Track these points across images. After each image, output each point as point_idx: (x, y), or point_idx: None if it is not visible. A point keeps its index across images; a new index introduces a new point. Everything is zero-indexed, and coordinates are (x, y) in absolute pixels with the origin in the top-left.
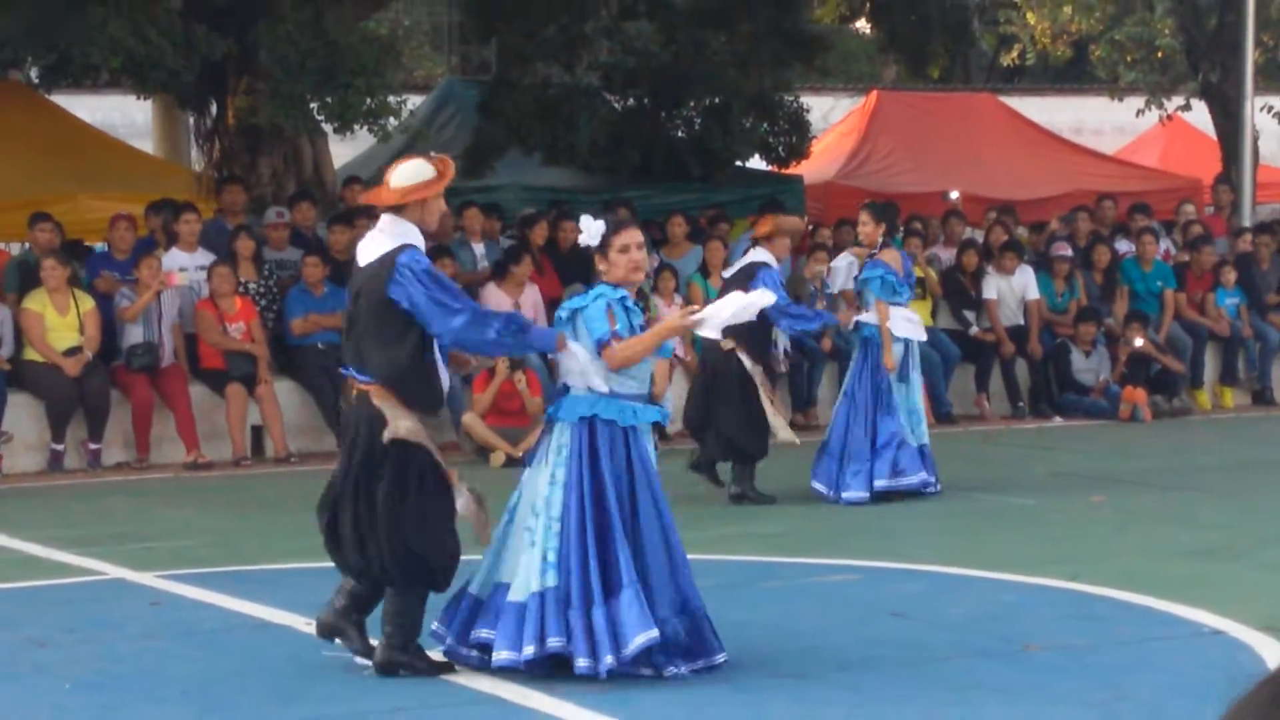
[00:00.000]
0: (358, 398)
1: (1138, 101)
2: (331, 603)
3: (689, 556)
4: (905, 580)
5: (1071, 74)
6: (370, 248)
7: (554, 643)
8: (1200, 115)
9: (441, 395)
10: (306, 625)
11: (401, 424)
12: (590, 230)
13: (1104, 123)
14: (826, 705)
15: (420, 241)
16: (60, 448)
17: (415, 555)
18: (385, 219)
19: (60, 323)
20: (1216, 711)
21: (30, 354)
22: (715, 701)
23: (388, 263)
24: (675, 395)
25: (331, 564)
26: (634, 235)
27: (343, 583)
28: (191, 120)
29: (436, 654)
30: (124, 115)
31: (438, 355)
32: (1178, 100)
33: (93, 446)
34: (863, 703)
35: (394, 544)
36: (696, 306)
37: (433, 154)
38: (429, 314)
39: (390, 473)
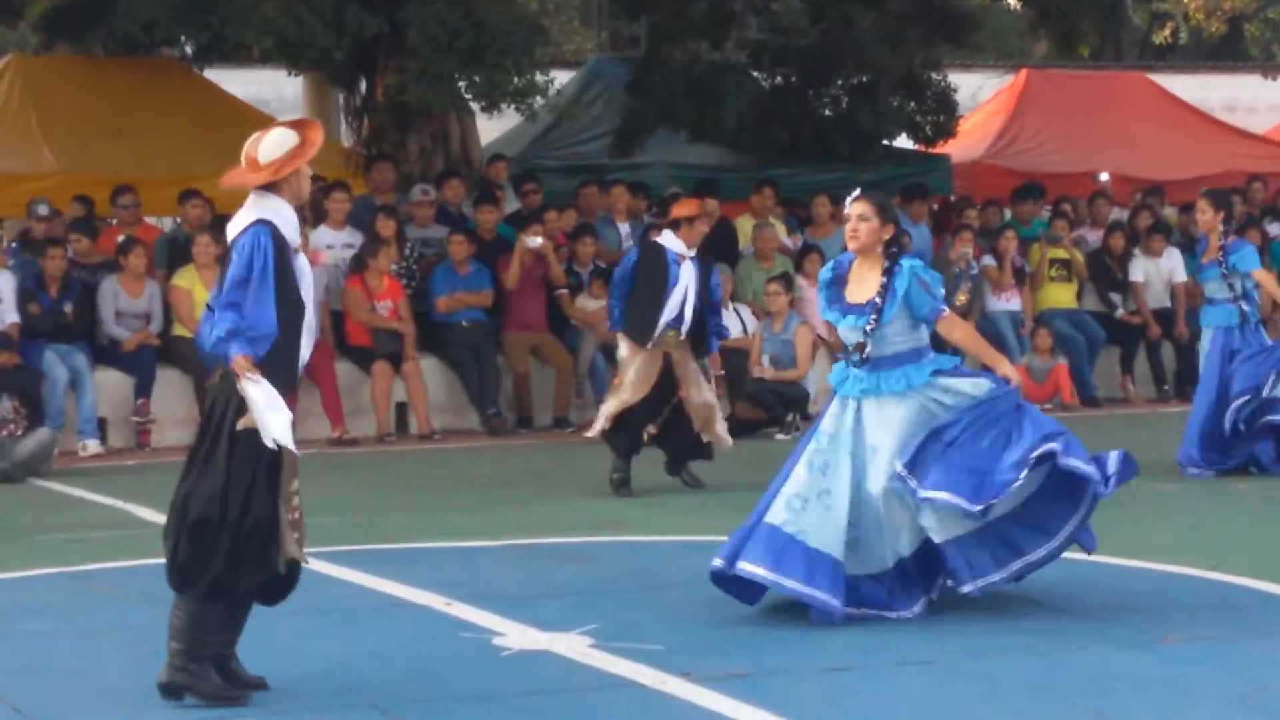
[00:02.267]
0: (221, 377)
1: None
2: None
3: None
4: (1043, 569)
5: (1225, 51)
6: (232, 229)
7: None
8: None
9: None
10: (446, 605)
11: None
12: None
13: (1258, 100)
14: (959, 694)
15: (292, 218)
16: None
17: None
18: (251, 197)
19: (208, 298)
20: None
21: (179, 330)
22: (845, 689)
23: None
24: (818, 375)
25: (469, 543)
26: (855, 206)
27: None
28: (341, 98)
29: None
30: (275, 90)
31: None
32: None
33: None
34: (996, 692)
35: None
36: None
37: (285, 120)
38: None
39: (224, 460)
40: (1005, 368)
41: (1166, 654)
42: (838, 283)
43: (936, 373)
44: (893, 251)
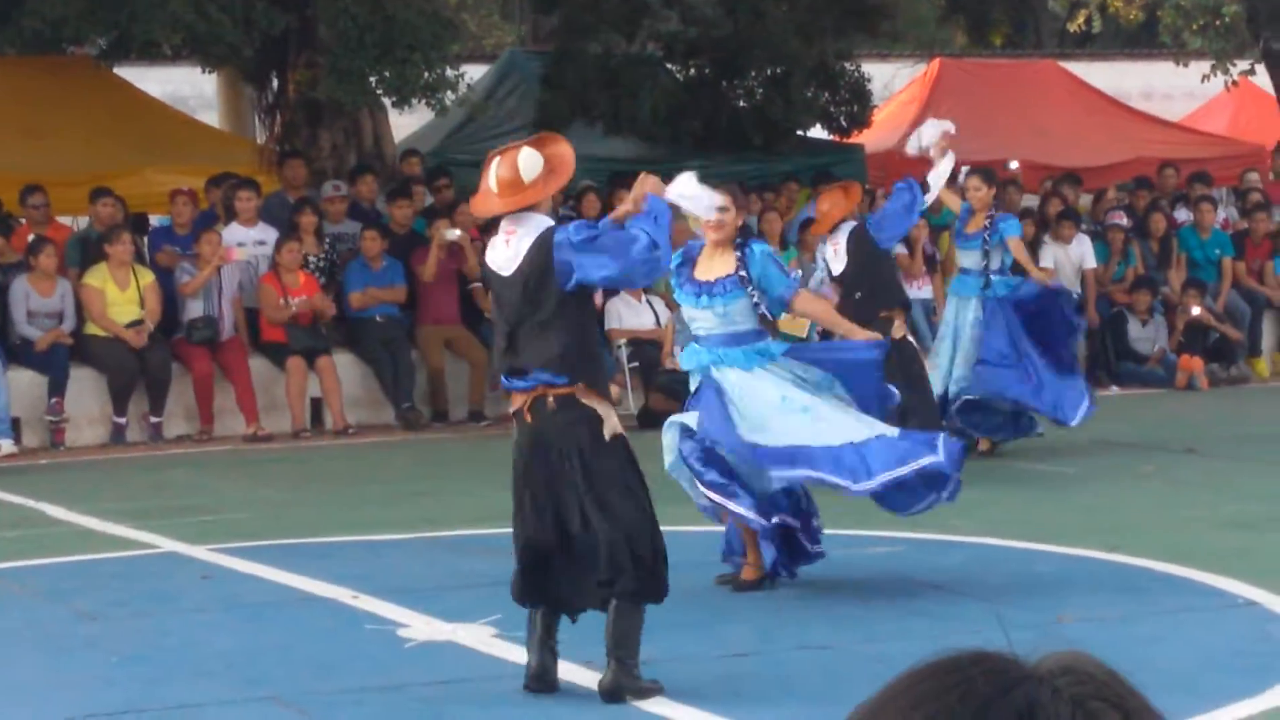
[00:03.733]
0: (557, 403)
1: (1204, 67)
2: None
3: None
4: (945, 552)
5: (1143, 39)
6: (507, 252)
7: None
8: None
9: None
10: (353, 598)
11: (615, 418)
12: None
13: (1174, 87)
14: (854, 678)
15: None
16: (122, 421)
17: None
18: (511, 220)
19: (121, 297)
20: (1241, 683)
21: (92, 329)
22: (745, 674)
23: (545, 249)
24: None
25: (380, 536)
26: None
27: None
28: (253, 94)
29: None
30: (194, 87)
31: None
32: (1243, 65)
33: (154, 420)
34: (888, 674)
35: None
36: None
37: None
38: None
39: (617, 473)
40: (862, 334)
41: (1060, 634)
42: (688, 264)
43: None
44: (739, 240)
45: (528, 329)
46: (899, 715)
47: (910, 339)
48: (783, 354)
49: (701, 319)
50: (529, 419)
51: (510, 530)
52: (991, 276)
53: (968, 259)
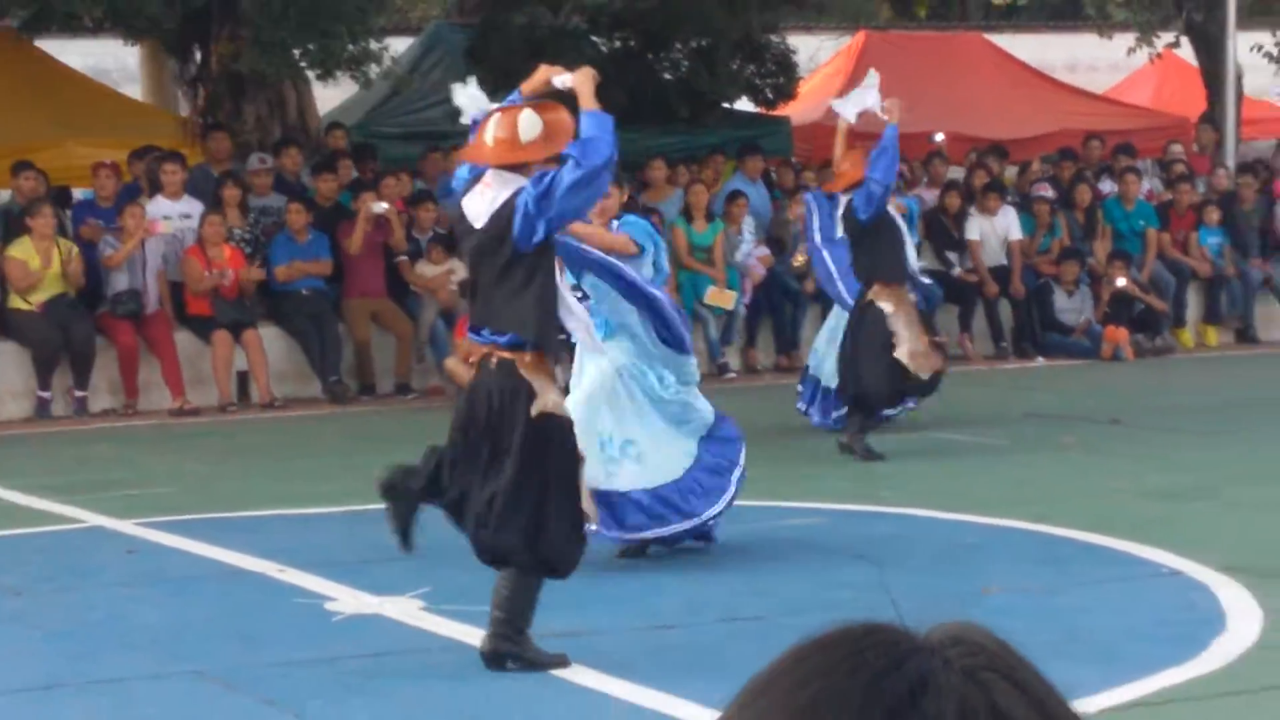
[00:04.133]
0: (499, 366)
1: (1129, 39)
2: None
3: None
4: (871, 523)
5: (1067, 12)
6: (481, 204)
7: None
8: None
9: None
10: (279, 572)
11: (550, 397)
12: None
13: (1098, 59)
14: (780, 648)
15: None
16: (47, 395)
17: (549, 538)
18: (495, 173)
19: (44, 270)
20: (1166, 651)
21: (16, 302)
22: (671, 645)
23: (509, 208)
24: None
25: (308, 510)
26: None
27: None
28: (176, 66)
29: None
30: (116, 60)
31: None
32: (1167, 38)
33: (79, 394)
34: None
35: (530, 525)
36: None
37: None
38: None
39: (534, 448)
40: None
41: (986, 605)
42: None
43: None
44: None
45: (485, 285)
46: (788, 692)
47: (881, 307)
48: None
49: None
50: (477, 374)
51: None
52: None
53: None
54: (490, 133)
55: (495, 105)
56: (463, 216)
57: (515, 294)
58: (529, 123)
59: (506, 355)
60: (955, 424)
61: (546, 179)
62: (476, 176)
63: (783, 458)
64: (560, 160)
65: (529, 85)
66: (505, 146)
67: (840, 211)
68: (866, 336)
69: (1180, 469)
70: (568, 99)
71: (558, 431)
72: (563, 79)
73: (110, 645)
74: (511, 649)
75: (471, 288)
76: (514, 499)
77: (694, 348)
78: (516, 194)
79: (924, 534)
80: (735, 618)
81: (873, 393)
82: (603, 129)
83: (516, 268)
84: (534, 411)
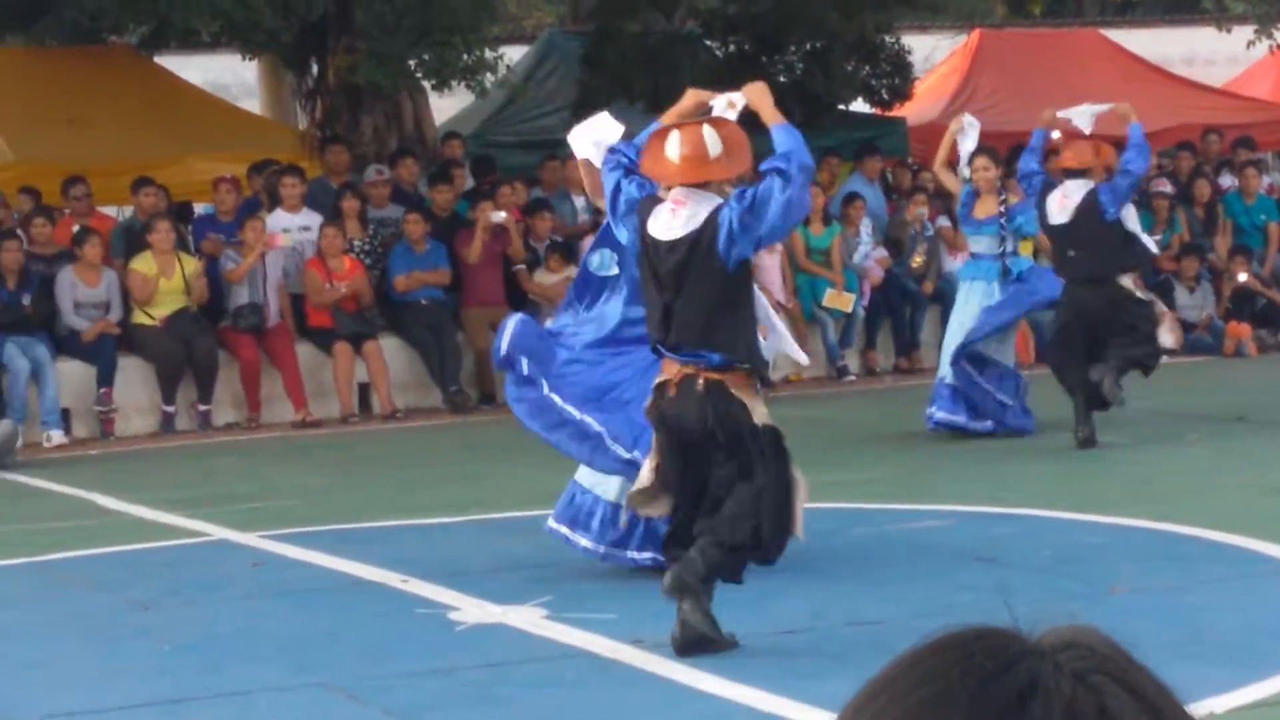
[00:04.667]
0: (707, 388)
1: (1247, 32)
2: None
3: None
4: (995, 524)
5: (1184, 4)
6: (675, 223)
7: None
8: None
9: None
10: (402, 582)
11: (762, 410)
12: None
13: (1216, 53)
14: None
15: None
16: (171, 410)
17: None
18: (685, 192)
19: (167, 285)
20: None
21: (139, 317)
22: (795, 650)
23: (713, 225)
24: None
25: (430, 520)
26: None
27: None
28: (294, 80)
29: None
30: (235, 75)
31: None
32: None
33: (202, 408)
34: None
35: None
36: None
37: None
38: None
39: (757, 458)
40: None
41: (1111, 605)
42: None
43: None
44: None
45: (687, 305)
46: (901, 694)
47: (1144, 295)
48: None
49: None
50: (673, 393)
51: None
52: (1008, 263)
53: (980, 244)
54: (674, 150)
55: (656, 124)
56: (644, 235)
57: (724, 314)
58: (712, 139)
59: (715, 377)
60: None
61: (751, 196)
62: (649, 195)
63: (903, 460)
64: (759, 175)
65: (677, 111)
66: (694, 163)
67: (1071, 202)
68: (1129, 322)
69: None
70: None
71: (779, 439)
72: (728, 100)
73: (236, 658)
74: (696, 586)
75: (664, 308)
76: (747, 509)
77: (813, 350)
78: (717, 211)
79: (1047, 534)
80: (860, 622)
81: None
82: (797, 140)
83: (723, 287)
84: (758, 423)
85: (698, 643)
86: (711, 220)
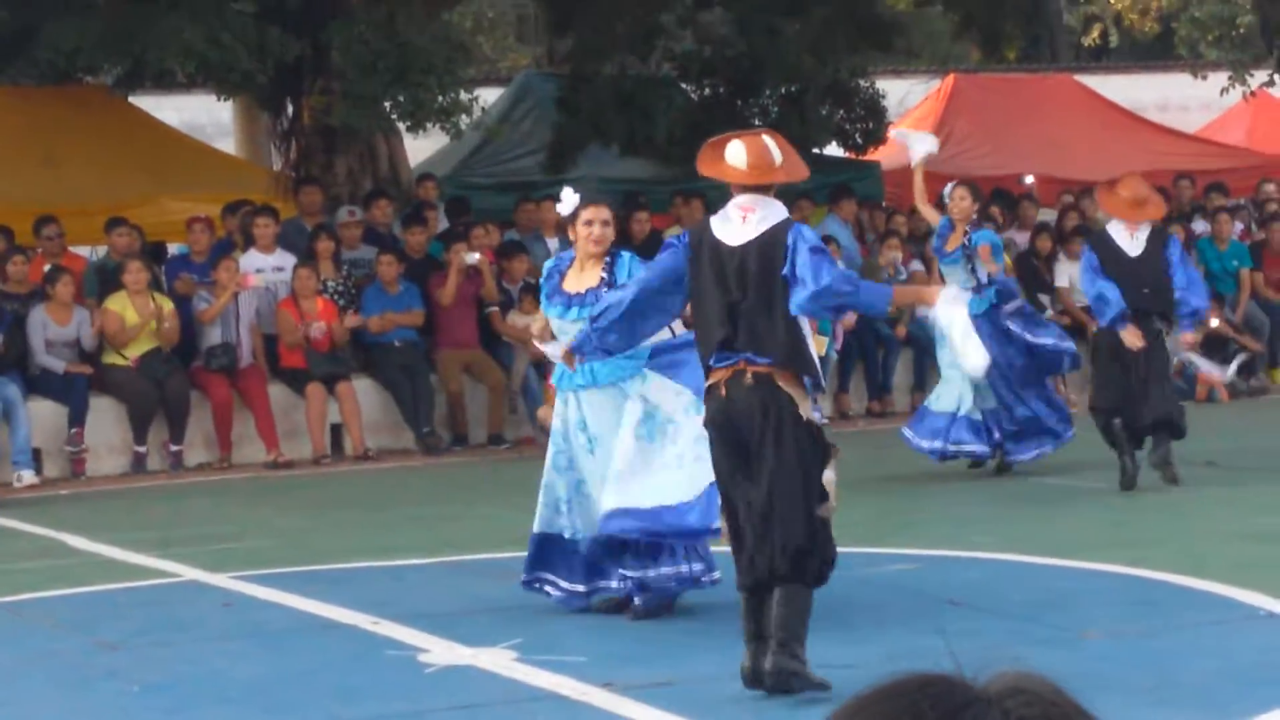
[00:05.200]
0: (755, 380)
1: (1221, 79)
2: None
3: None
4: (965, 568)
5: (1158, 51)
6: (745, 230)
7: None
8: None
9: None
10: (373, 624)
11: (808, 407)
12: (567, 201)
13: (1189, 99)
14: None
15: None
16: (143, 450)
17: (826, 538)
18: (752, 199)
19: (140, 325)
20: (1265, 694)
21: (111, 358)
22: (763, 694)
23: (783, 232)
24: None
25: (401, 561)
26: (599, 212)
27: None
28: (269, 121)
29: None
30: (210, 115)
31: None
32: (1260, 77)
33: (174, 448)
34: None
35: (809, 528)
36: None
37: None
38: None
39: (795, 456)
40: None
41: (1084, 650)
42: (556, 276)
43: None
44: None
45: (750, 309)
46: None
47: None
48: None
49: (571, 332)
50: (723, 393)
51: None
52: (979, 276)
53: (951, 276)
54: (740, 157)
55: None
56: (707, 244)
57: (781, 320)
58: (774, 147)
59: (763, 370)
60: (1049, 468)
61: (824, 262)
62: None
63: (876, 504)
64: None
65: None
66: (764, 168)
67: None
68: (1161, 365)
69: (1276, 511)
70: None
71: (821, 436)
72: None
73: (206, 699)
74: (798, 667)
75: (729, 309)
76: (793, 506)
77: None
78: (786, 229)
79: (1018, 579)
80: (830, 665)
81: (1177, 414)
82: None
83: (784, 292)
84: (802, 415)
85: (792, 677)
86: (781, 230)
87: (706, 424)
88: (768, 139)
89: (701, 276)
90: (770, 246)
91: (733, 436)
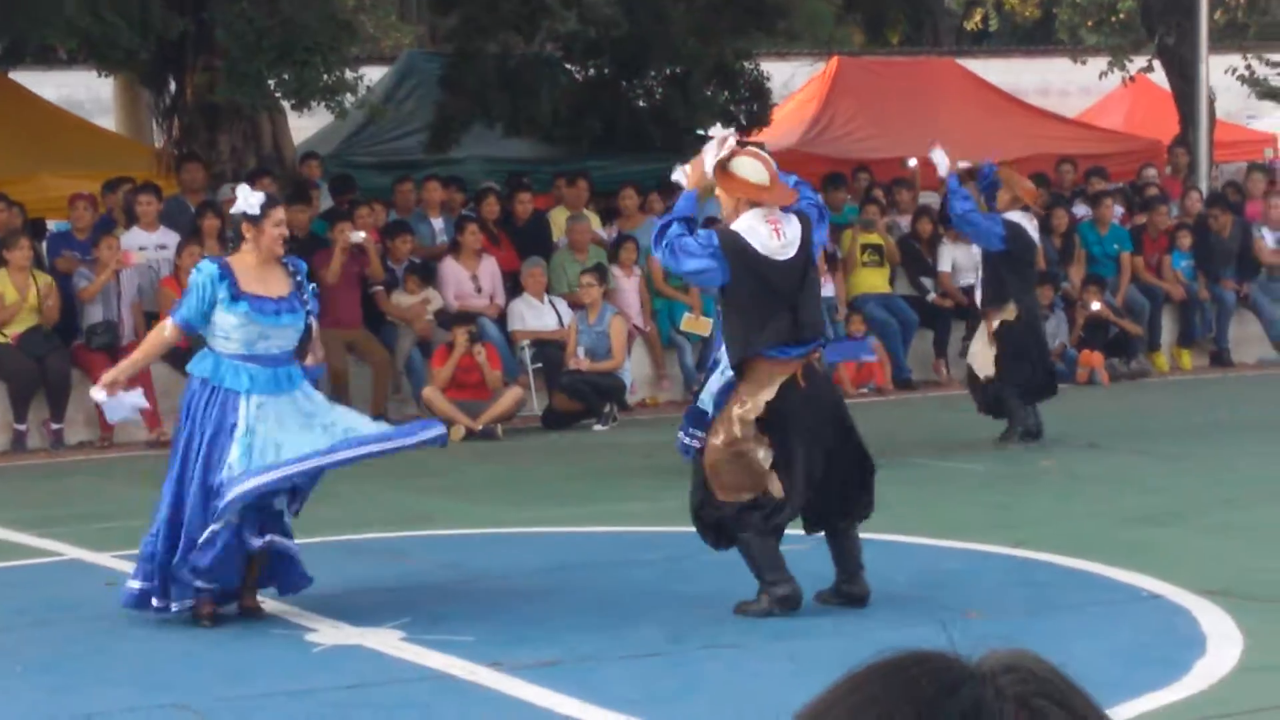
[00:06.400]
0: (819, 368)
1: (1101, 63)
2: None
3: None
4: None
5: (1039, 36)
6: (783, 238)
7: None
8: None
9: None
10: (259, 603)
11: None
12: (250, 200)
13: (1070, 84)
14: (762, 675)
15: None
16: (23, 428)
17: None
18: (771, 211)
19: (21, 303)
20: (1148, 675)
21: None
22: (653, 674)
23: (808, 230)
24: (633, 364)
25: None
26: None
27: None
28: (151, 98)
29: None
30: (89, 91)
31: None
32: (1140, 62)
33: (55, 426)
34: (799, 672)
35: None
36: None
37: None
38: None
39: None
40: None
41: (966, 630)
42: (228, 278)
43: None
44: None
45: (808, 303)
46: (843, 718)
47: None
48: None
49: (280, 337)
50: (802, 383)
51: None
52: None
53: None
54: (761, 174)
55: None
56: (750, 257)
57: (820, 306)
58: (770, 161)
59: (817, 355)
60: (933, 449)
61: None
62: (723, 227)
63: None
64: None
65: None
66: (778, 185)
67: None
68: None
69: (1158, 492)
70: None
71: None
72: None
73: (90, 679)
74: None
75: (791, 312)
76: (862, 465)
77: (670, 374)
78: (809, 227)
79: (904, 559)
80: (717, 644)
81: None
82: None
83: (818, 284)
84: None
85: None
86: (808, 233)
87: (778, 408)
88: (762, 154)
89: (747, 282)
90: (807, 247)
91: (814, 413)
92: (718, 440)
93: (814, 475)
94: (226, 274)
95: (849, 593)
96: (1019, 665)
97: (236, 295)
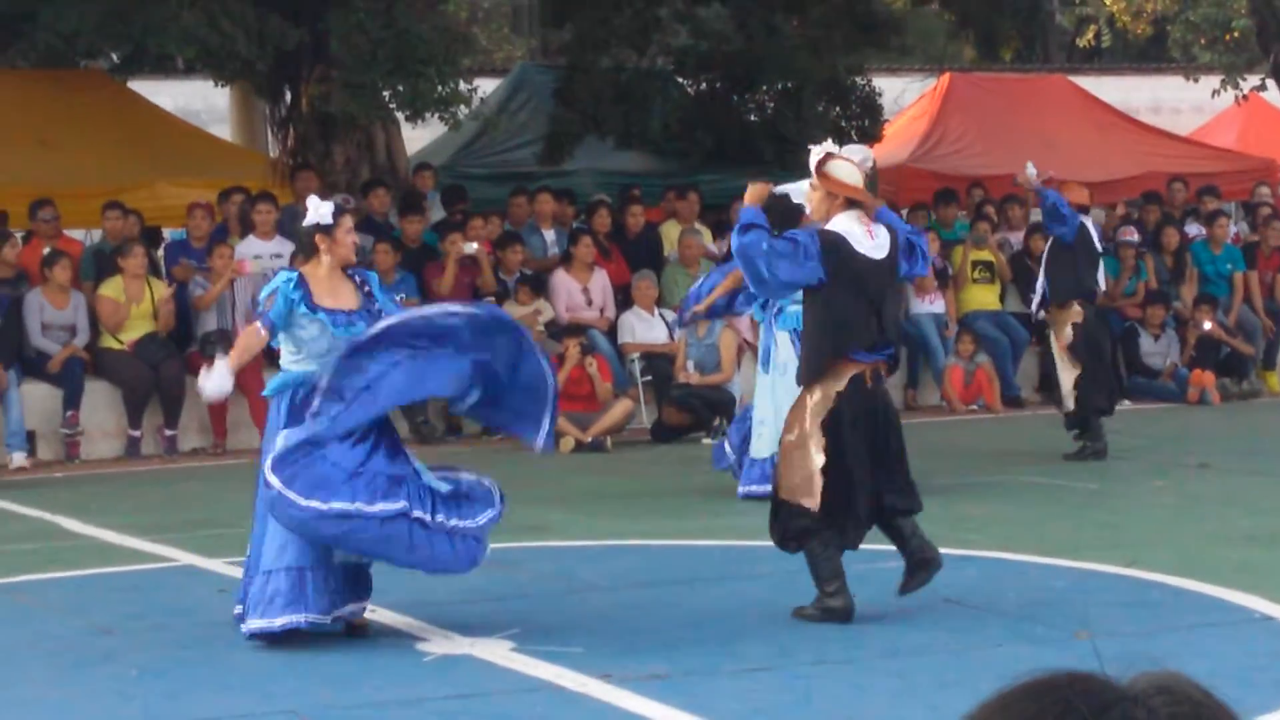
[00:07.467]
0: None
1: (1214, 81)
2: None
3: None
4: (960, 566)
5: (1151, 54)
6: (877, 241)
7: None
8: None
9: None
10: (370, 612)
11: None
12: (321, 210)
13: (1182, 101)
14: (872, 692)
15: None
16: (137, 434)
17: None
18: (862, 214)
19: (136, 310)
20: (1258, 697)
21: (107, 341)
22: (764, 687)
23: (896, 237)
24: (743, 378)
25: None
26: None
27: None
28: (267, 108)
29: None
30: (206, 101)
31: None
32: (1253, 80)
33: (169, 433)
34: (907, 689)
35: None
36: None
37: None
38: None
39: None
40: None
41: (1077, 650)
42: (302, 287)
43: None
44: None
45: (890, 308)
46: None
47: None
48: None
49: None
50: (870, 385)
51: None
52: None
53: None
54: (856, 177)
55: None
56: (850, 257)
57: (898, 312)
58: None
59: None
60: (1040, 468)
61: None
62: (817, 229)
63: None
64: None
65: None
66: (866, 190)
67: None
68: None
69: (1269, 513)
70: None
71: None
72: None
73: (204, 685)
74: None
75: (877, 314)
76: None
77: None
78: (895, 232)
79: (1013, 577)
80: (827, 660)
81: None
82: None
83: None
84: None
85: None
86: (895, 237)
87: (845, 406)
88: (854, 159)
89: (842, 281)
90: (895, 252)
91: (872, 415)
92: (791, 436)
93: (866, 483)
94: (301, 285)
95: (920, 560)
96: (1172, 687)
97: (313, 307)
